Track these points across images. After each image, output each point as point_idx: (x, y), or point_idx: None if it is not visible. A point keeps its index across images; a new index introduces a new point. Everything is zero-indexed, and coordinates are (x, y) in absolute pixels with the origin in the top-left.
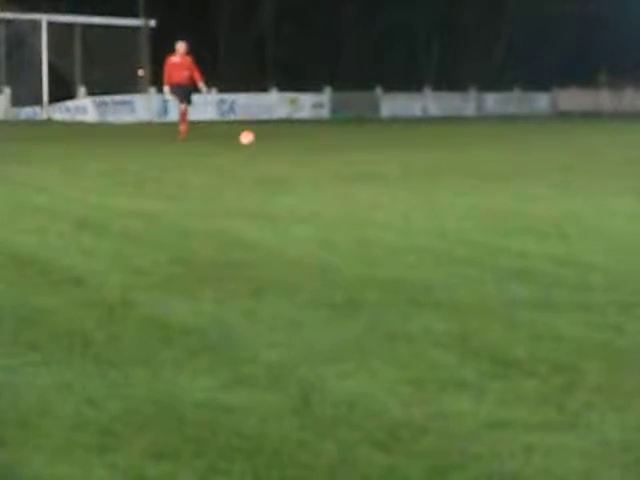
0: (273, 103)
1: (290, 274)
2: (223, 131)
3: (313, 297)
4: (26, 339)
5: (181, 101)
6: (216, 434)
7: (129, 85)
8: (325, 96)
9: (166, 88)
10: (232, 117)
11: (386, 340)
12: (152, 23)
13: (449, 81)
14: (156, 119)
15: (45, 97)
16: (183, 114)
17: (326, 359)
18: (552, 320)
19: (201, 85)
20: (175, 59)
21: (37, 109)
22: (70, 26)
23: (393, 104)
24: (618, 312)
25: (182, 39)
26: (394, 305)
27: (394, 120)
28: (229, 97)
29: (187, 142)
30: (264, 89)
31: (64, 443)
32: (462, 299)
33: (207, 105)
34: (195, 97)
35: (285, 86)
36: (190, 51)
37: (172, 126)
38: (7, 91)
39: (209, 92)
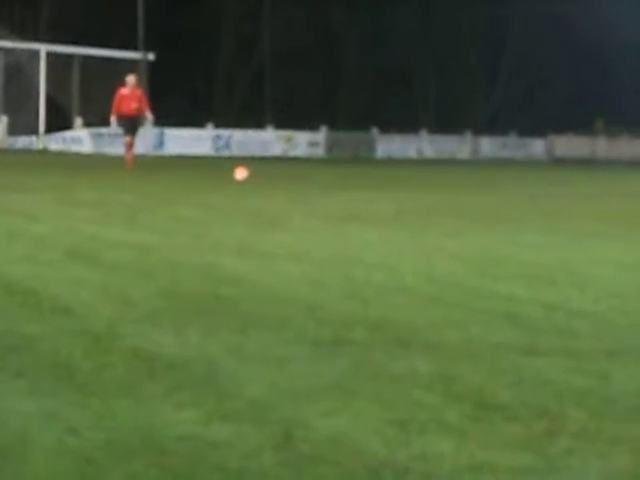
0: (269, 140)
1: (277, 310)
2: (218, 166)
3: (299, 334)
4: (12, 366)
5: (127, 132)
6: (197, 468)
7: None
8: (321, 135)
9: (113, 118)
10: (227, 153)
11: (371, 379)
12: (151, 56)
13: (445, 124)
14: (151, 152)
15: (41, 127)
16: (129, 145)
17: (310, 396)
18: (537, 365)
19: (148, 115)
20: (125, 91)
21: (33, 138)
22: (69, 57)
23: (389, 145)
24: (604, 359)
25: (180, 74)
26: (380, 345)
27: (389, 161)
28: (225, 133)
29: (184, 176)
30: (260, 126)
31: (45, 471)
32: (448, 341)
33: (203, 140)
34: (192, 132)
35: (281, 124)
36: (186, 86)
37: (168, 160)
38: (4, 119)
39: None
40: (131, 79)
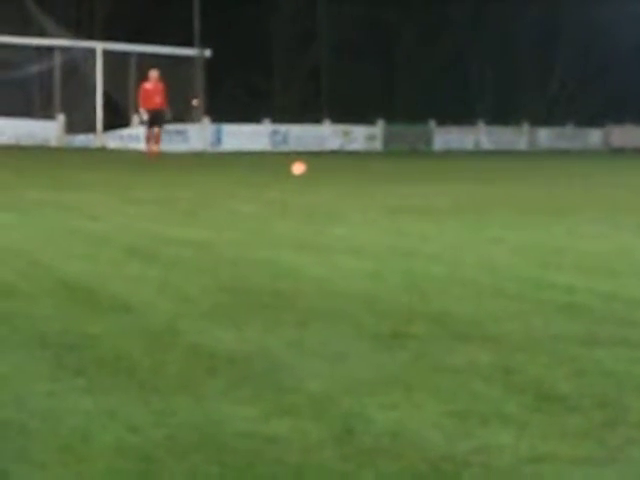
0: (326, 135)
1: (336, 304)
2: (275, 162)
3: (358, 328)
4: (71, 364)
5: (150, 125)
6: (257, 463)
7: (183, 114)
8: (378, 129)
9: (142, 110)
10: (285, 148)
11: (430, 372)
12: (207, 53)
13: (502, 115)
14: (209, 149)
15: (99, 125)
16: (150, 138)
17: (370, 390)
18: (597, 355)
19: (165, 109)
20: (148, 85)
21: (91, 137)
22: (125, 54)
23: (446, 137)
24: None
25: (236, 69)
26: (439, 338)
27: (447, 153)
28: (282, 128)
29: (242, 172)
30: (318, 120)
31: (105, 469)
32: (508, 333)
33: (260, 135)
34: (249, 128)
35: (338, 118)
36: (243, 82)
37: (226, 155)
38: (61, 118)
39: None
40: (154, 74)
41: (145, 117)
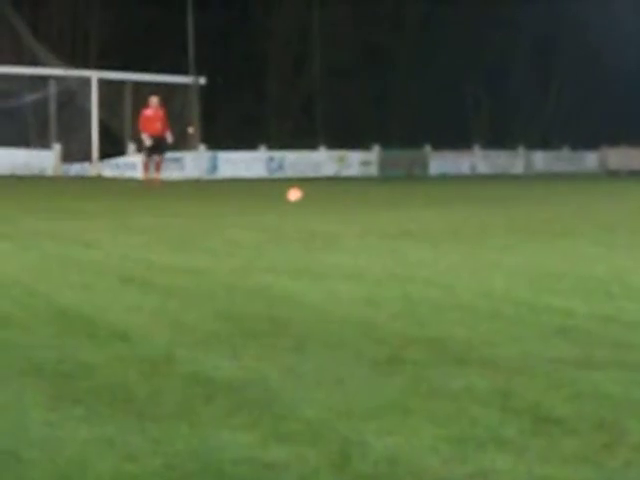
0: (322, 161)
1: (333, 330)
2: (271, 188)
3: (356, 354)
4: (68, 394)
5: (149, 153)
6: None
7: (179, 142)
8: (373, 154)
9: (144, 135)
10: (281, 175)
11: (428, 397)
12: (202, 80)
13: (498, 139)
14: (205, 176)
15: (95, 153)
16: (158, 164)
17: (367, 416)
18: (594, 378)
19: (168, 136)
20: (149, 112)
21: (87, 165)
22: (120, 83)
23: (442, 162)
24: None
25: (232, 97)
26: (437, 363)
27: (443, 178)
28: (278, 155)
29: (238, 199)
30: (313, 147)
31: None
32: (505, 357)
33: (256, 162)
34: (245, 155)
35: (333, 144)
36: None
37: (222, 183)
38: (57, 147)
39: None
40: (154, 100)
41: (148, 142)
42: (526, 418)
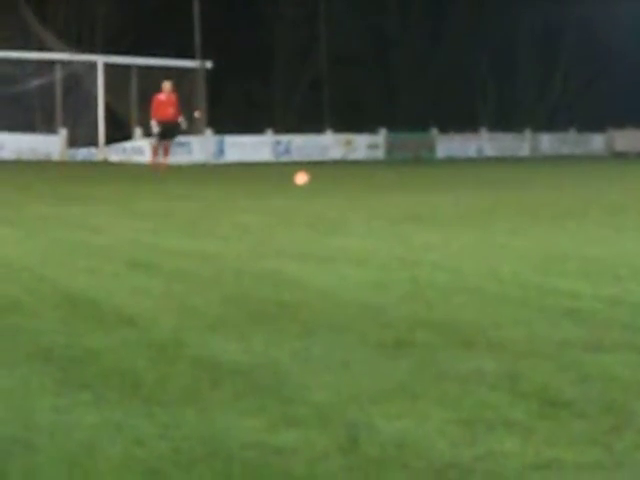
0: (328, 144)
1: (340, 314)
2: (278, 172)
3: (363, 338)
4: (76, 378)
5: (160, 138)
6: (264, 475)
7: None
8: (380, 137)
9: (153, 122)
10: (287, 158)
11: (435, 380)
12: (208, 65)
13: (504, 122)
14: (212, 160)
15: (101, 138)
16: (156, 150)
17: (375, 399)
18: (602, 361)
19: (181, 120)
20: (162, 97)
21: (93, 150)
22: (126, 67)
23: (449, 145)
24: None
25: (238, 81)
26: (445, 346)
27: (449, 161)
28: (284, 138)
29: (245, 183)
30: (319, 130)
31: None
32: (513, 340)
33: (262, 146)
34: (251, 139)
35: (340, 127)
36: (244, 93)
37: (228, 167)
38: (63, 132)
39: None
40: (167, 85)
41: (156, 129)
42: (534, 400)
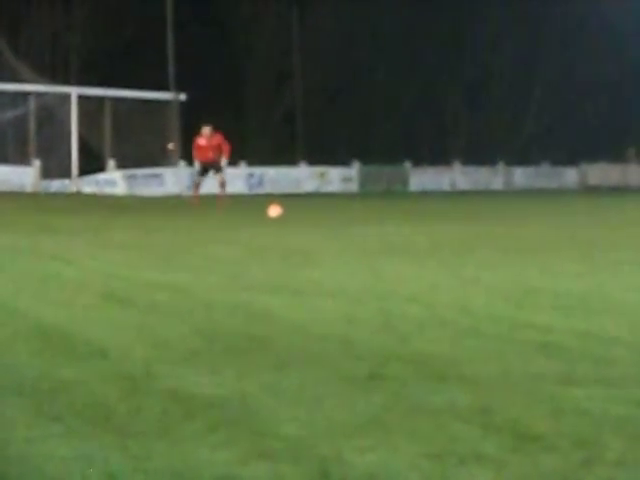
0: (302, 177)
1: (313, 348)
2: (251, 204)
3: (336, 371)
4: (48, 411)
5: (199, 174)
6: None
7: (159, 158)
8: (354, 170)
9: (196, 164)
10: (261, 191)
11: (408, 414)
12: (182, 97)
13: (477, 156)
14: (185, 192)
15: (74, 170)
16: (221, 183)
17: (347, 433)
18: (574, 394)
19: (223, 160)
20: (202, 141)
21: (66, 182)
22: (100, 99)
23: (422, 178)
24: None
25: (212, 113)
26: (417, 379)
27: (423, 194)
28: (258, 171)
29: (215, 215)
30: (293, 163)
31: None
32: (486, 373)
33: (236, 178)
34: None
35: (314, 160)
36: (218, 125)
37: (202, 199)
38: (37, 163)
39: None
40: (206, 131)
41: (198, 167)
42: (506, 434)
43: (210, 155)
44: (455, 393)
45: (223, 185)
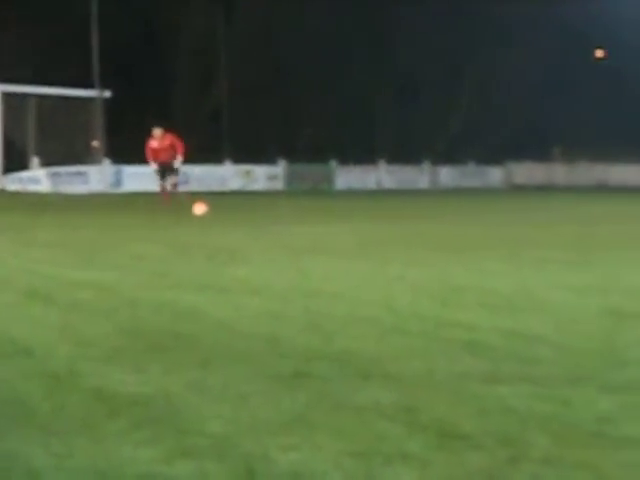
0: (228, 175)
1: (237, 345)
2: (177, 202)
3: (260, 368)
4: None
5: (160, 178)
6: None
7: (83, 156)
8: (280, 168)
9: (153, 165)
10: (186, 188)
11: (332, 412)
12: (107, 94)
13: (403, 155)
14: (110, 190)
15: None
16: (174, 185)
17: (271, 431)
18: (499, 392)
19: (178, 159)
20: (154, 144)
21: None
22: (24, 96)
23: (348, 177)
24: (565, 385)
25: (137, 111)
26: (342, 377)
27: (349, 192)
28: (183, 168)
29: (142, 213)
30: (219, 161)
31: None
32: (410, 372)
33: None
34: (149, 168)
35: (240, 158)
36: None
37: (126, 197)
38: None
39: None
40: (157, 132)
41: (155, 168)
42: (431, 433)
43: (163, 156)
44: (380, 391)
45: (175, 187)
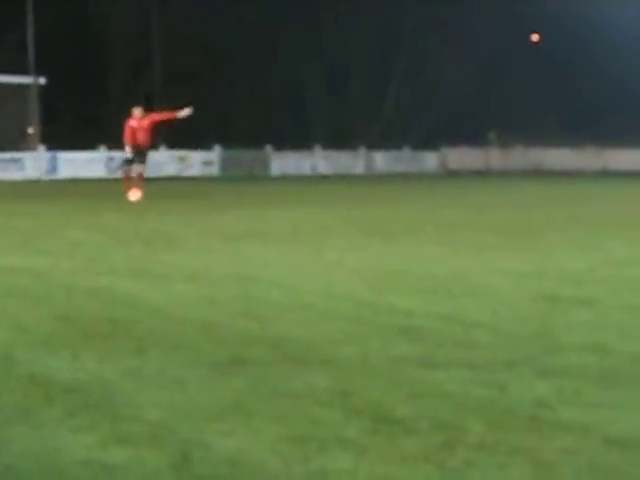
0: (162, 161)
1: (174, 332)
2: (112, 188)
3: (196, 355)
4: None
5: (130, 162)
6: None
7: (18, 143)
8: (215, 154)
9: (127, 148)
10: (121, 174)
11: (269, 398)
12: (42, 81)
13: (338, 140)
14: (45, 177)
15: None
16: (140, 175)
17: (208, 417)
18: (435, 377)
19: (184, 113)
20: (133, 123)
21: None
22: None
23: (283, 162)
24: (501, 369)
25: (73, 97)
26: (278, 362)
27: (284, 178)
28: (118, 155)
29: (78, 199)
30: (154, 147)
31: None
32: (346, 356)
33: (96, 163)
34: (85, 155)
35: (175, 144)
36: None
37: (61, 184)
38: None
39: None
40: (136, 112)
41: (129, 155)
42: (367, 418)
43: (140, 138)
44: (316, 376)
45: (140, 177)
